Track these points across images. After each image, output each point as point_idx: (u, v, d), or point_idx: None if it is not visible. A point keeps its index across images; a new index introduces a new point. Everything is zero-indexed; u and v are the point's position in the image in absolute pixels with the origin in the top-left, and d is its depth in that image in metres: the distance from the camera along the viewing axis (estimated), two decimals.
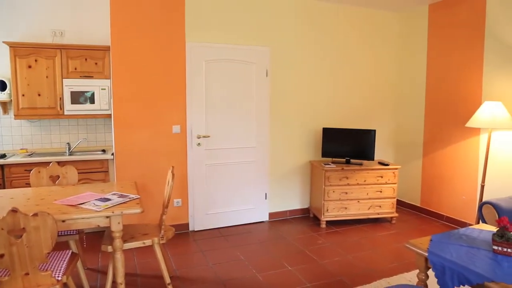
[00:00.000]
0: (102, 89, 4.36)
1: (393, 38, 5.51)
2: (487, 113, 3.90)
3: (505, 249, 2.37)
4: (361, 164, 4.77)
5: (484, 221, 3.42)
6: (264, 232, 4.54)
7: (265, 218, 4.92)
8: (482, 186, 4.08)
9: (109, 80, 4.32)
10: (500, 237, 2.39)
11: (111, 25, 3.97)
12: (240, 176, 4.70)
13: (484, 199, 4.09)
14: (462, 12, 4.55)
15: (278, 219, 5.00)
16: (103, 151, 4.54)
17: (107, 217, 2.57)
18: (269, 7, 4.66)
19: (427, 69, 5.09)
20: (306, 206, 5.18)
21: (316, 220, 4.94)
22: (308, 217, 5.09)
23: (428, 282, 2.62)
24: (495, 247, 2.41)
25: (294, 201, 5.11)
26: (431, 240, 2.65)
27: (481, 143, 4.37)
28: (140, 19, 4.06)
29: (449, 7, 4.73)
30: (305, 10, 4.87)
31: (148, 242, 2.94)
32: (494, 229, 2.87)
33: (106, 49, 4.29)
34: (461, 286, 2.25)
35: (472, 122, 4.02)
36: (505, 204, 3.31)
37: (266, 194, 4.88)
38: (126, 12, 4.00)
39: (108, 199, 2.77)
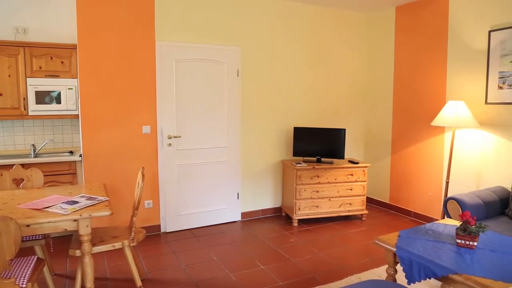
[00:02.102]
0: (69, 88, 4.23)
1: (363, 39, 5.64)
2: (450, 112, 4.05)
3: (467, 242, 2.47)
4: (331, 163, 4.85)
5: (449, 216, 3.56)
6: (236, 232, 4.53)
7: (238, 217, 4.92)
8: (447, 183, 4.24)
9: (76, 79, 4.20)
10: (463, 231, 2.50)
11: (77, 22, 3.86)
12: (212, 176, 4.68)
13: (448, 195, 4.25)
14: (427, 14, 4.71)
15: (250, 218, 5.01)
16: (71, 152, 4.41)
17: (75, 220, 2.50)
18: (241, 6, 4.66)
19: (395, 70, 5.24)
20: (278, 205, 5.22)
21: (288, 218, 4.98)
22: (280, 216, 5.13)
23: (396, 276, 2.69)
24: (459, 241, 2.51)
25: (266, 200, 5.13)
26: (399, 236, 2.73)
27: (446, 141, 4.54)
28: (108, 16, 3.97)
29: (415, 10, 4.88)
30: (276, 10, 4.90)
31: (118, 245, 2.88)
32: (457, 223, 2.99)
33: (73, 47, 4.16)
34: (428, 279, 2.33)
35: (437, 121, 4.17)
36: (468, 199, 3.45)
37: (238, 194, 4.88)
38: (93, 9, 3.90)
39: (76, 202, 2.69)
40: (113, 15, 3.99)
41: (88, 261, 2.59)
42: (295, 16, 5.04)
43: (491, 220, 3.39)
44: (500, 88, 3.91)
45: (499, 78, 3.92)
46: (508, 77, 3.84)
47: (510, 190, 3.65)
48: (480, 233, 2.48)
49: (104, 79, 4.02)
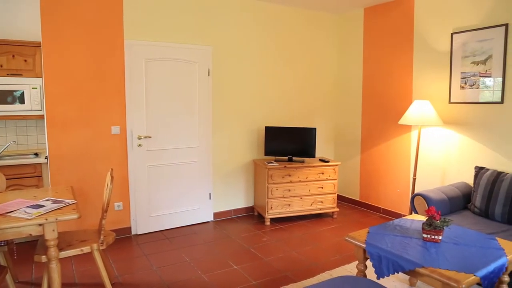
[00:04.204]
0: (33, 88, 4.08)
1: (333, 40, 5.73)
2: (416, 111, 4.18)
3: (433, 236, 2.57)
4: (303, 162, 4.91)
5: (416, 212, 3.67)
6: (209, 232, 4.51)
7: (210, 218, 4.89)
8: (414, 179, 4.37)
9: (41, 78, 4.05)
10: (428, 225, 2.59)
11: (41, 19, 3.72)
12: (183, 176, 4.63)
13: (415, 191, 4.39)
14: (394, 16, 4.84)
15: (223, 218, 4.99)
16: (36, 154, 4.25)
17: (40, 225, 2.41)
18: (212, 6, 4.64)
19: (363, 70, 5.35)
20: (250, 205, 5.23)
21: (260, 218, 5.00)
22: (252, 215, 5.14)
23: (366, 272, 2.76)
24: (425, 235, 2.60)
25: (238, 200, 5.13)
26: (368, 232, 2.80)
27: (413, 139, 4.68)
28: (74, 13, 3.85)
29: (382, 11, 5.01)
30: (247, 10, 4.90)
31: (86, 249, 2.80)
32: (424, 218, 3.09)
33: (37, 45, 4.02)
34: (396, 273, 2.40)
35: (404, 120, 4.30)
36: (433, 195, 3.57)
37: (210, 194, 4.85)
38: (58, 5, 3.77)
39: (41, 206, 2.60)
40: (79, 12, 3.87)
41: (55, 266, 2.50)
42: (266, 17, 5.06)
43: (455, 215, 3.53)
44: (462, 88, 4.07)
45: (461, 78, 4.08)
46: (469, 77, 4.00)
47: (472, 185, 3.81)
48: (444, 227, 2.58)
49: (70, 78, 3.89)
